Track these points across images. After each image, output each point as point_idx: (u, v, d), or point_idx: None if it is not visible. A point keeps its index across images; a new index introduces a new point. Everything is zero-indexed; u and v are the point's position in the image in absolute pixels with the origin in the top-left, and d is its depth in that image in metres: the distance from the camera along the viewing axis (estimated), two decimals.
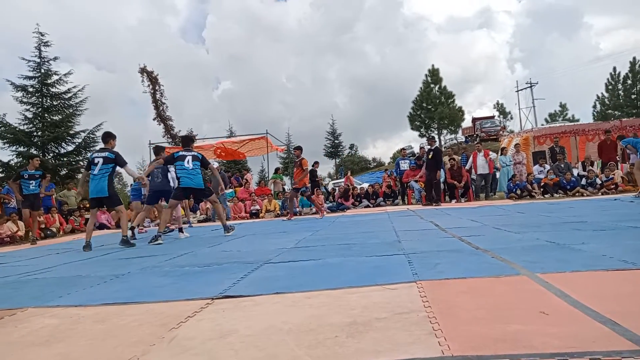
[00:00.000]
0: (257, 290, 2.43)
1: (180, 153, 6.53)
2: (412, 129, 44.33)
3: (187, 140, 6.86)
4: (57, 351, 1.67)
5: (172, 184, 7.33)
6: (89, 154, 19.68)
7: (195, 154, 6.54)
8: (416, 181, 12.78)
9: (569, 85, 73.30)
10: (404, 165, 13.64)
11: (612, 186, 11.03)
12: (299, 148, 9.87)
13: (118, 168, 6.42)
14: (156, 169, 7.28)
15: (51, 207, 11.04)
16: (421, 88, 43.23)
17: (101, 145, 6.39)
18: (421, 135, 42.61)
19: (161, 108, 26.08)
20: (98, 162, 6.01)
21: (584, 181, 11.56)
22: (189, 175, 6.35)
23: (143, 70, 25.42)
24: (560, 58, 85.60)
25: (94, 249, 5.87)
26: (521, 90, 46.20)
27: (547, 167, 12.48)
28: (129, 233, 6.37)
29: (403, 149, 17.12)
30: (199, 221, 11.98)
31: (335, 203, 12.94)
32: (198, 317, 1.99)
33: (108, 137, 6.35)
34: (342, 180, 15.94)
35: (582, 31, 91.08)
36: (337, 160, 46.95)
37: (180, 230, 7.26)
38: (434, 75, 42.94)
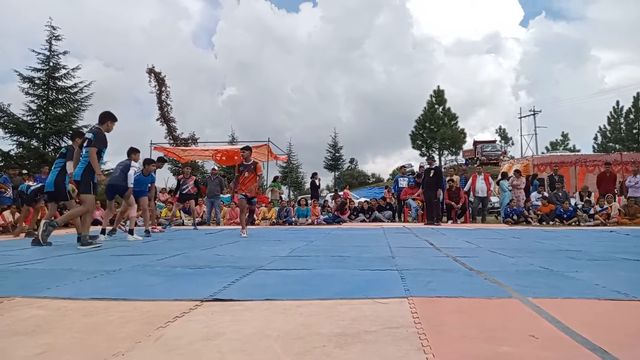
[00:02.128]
0: (248, 296, 2.41)
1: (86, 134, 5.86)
2: (413, 147, 44.56)
3: (100, 117, 5.87)
4: (42, 342, 1.65)
5: (130, 180, 6.96)
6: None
7: (90, 137, 5.64)
8: (414, 199, 12.80)
9: (572, 115, 73.82)
10: (403, 182, 13.67)
11: (606, 217, 11.04)
12: (248, 148, 8.14)
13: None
14: (118, 165, 7.22)
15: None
16: (425, 108, 43.52)
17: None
18: (422, 155, 42.82)
19: (166, 109, 26.22)
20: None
21: (579, 206, 11.64)
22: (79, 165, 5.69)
23: (151, 71, 25.60)
24: (565, 88, 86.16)
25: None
26: (524, 117, 46.59)
27: (545, 194, 12.50)
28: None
29: (403, 166, 17.14)
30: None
31: (332, 215, 12.92)
32: (186, 318, 1.97)
33: (75, 135, 6.28)
34: (341, 193, 15.93)
35: (589, 64, 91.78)
36: (337, 173, 46.99)
37: (131, 232, 6.84)
38: (438, 96, 43.26)
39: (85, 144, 5.62)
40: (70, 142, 18.97)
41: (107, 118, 5.82)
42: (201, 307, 2.19)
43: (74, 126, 19.26)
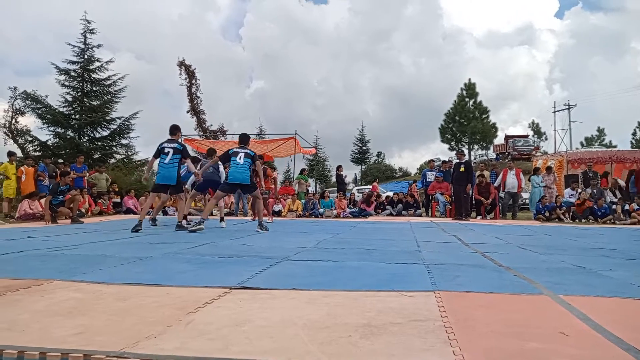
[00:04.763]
0: (275, 285, 2.45)
1: (235, 149, 6.77)
2: (442, 141, 43.72)
3: (244, 138, 7.09)
4: (79, 322, 1.73)
5: (222, 176, 7.63)
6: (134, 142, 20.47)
7: (249, 151, 6.70)
8: (442, 194, 12.63)
9: (609, 110, 71.04)
10: (431, 177, 13.50)
11: None
12: (260, 157, 9.46)
13: None
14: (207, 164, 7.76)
15: (82, 188, 11.35)
16: (455, 101, 42.64)
17: (167, 136, 6.80)
18: (451, 149, 42.04)
19: (195, 101, 26.57)
20: (169, 152, 6.47)
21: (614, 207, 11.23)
22: (238, 170, 6.50)
23: (182, 64, 25.98)
24: (601, 82, 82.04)
25: (120, 231, 6.03)
26: (558, 111, 45.12)
27: (580, 191, 12.11)
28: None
29: (432, 160, 16.91)
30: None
31: (358, 209, 12.90)
32: (216, 304, 2.02)
33: (176, 129, 6.89)
34: (369, 187, 15.88)
35: (627, 56, 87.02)
36: (363, 167, 46.75)
37: (222, 219, 7.69)
38: (469, 89, 42.30)
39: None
40: (104, 132, 19.20)
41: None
42: (230, 294, 2.23)
43: (107, 117, 19.78)
